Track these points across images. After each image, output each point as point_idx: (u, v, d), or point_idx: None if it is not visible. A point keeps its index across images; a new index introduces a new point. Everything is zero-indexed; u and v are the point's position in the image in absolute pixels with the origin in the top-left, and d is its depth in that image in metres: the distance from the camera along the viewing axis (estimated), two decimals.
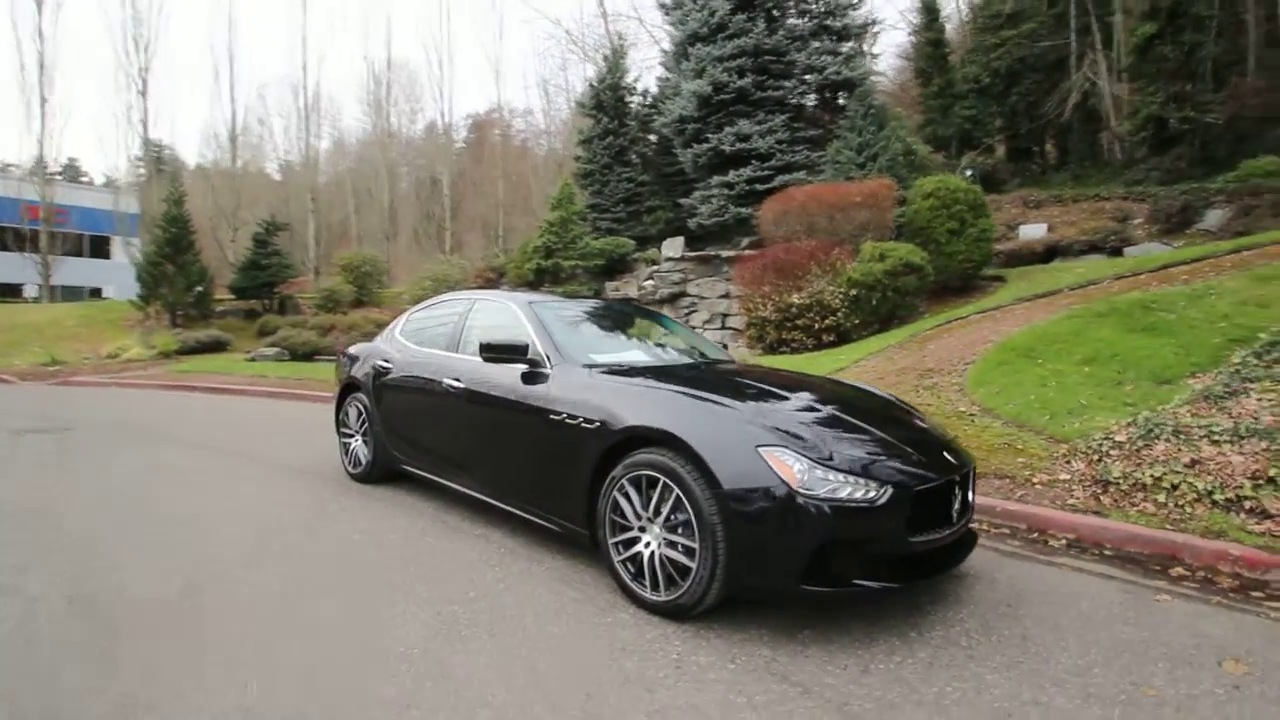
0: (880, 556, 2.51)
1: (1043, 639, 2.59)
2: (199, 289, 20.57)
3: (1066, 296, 9.19)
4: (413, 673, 2.30)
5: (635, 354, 3.84)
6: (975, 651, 2.49)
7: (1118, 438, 4.60)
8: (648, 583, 2.79)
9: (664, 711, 2.11)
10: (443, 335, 4.40)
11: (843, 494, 2.46)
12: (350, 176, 34.01)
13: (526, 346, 3.54)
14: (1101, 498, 4.09)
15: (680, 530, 2.69)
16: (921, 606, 2.84)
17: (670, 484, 2.70)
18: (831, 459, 2.54)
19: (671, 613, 2.71)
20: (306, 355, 17.70)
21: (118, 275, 33.83)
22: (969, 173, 16.74)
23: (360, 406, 4.85)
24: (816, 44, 17.74)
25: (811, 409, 2.95)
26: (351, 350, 5.41)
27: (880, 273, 9.91)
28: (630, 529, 2.89)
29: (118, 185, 35.85)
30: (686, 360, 4.01)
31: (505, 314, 4.09)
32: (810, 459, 2.52)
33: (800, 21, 17.98)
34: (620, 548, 2.93)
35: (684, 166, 20.65)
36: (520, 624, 2.69)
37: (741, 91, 17.79)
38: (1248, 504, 3.73)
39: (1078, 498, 4.13)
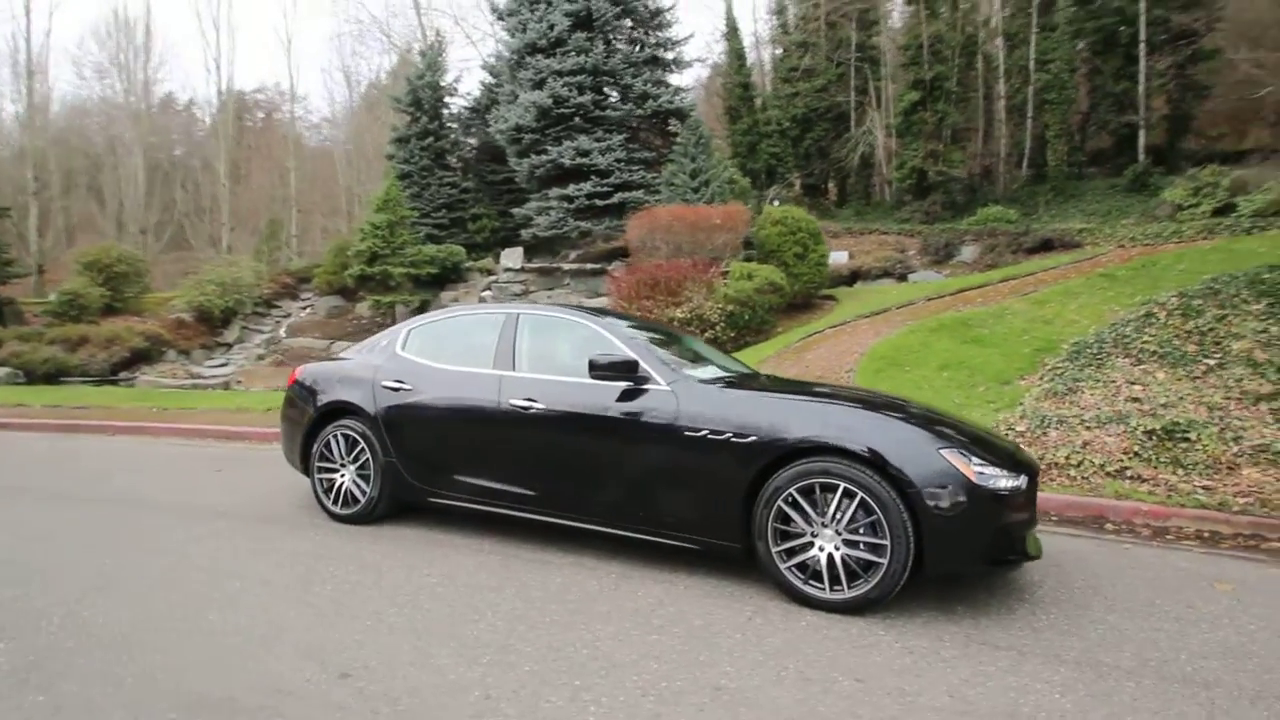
0: (1020, 535, 3.03)
1: (1099, 587, 3.33)
2: None
3: (895, 314, 11.08)
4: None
5: (711, 368, 3.96)
6: (1074, 601, 3.12)
7: (1018, 428, 5.81)
8: (826, 583, 3.00)
9: (963, 691, 2.35)
10: (482, 352, 4.05)
11: (1001, 484, 2.93)
12: (83, 154, 27.25)
13: (635, 363, 3.49)
14: None
15: (862, 530, 2.94)
16: (988, 584, 3.39)
17: (852, 489, 2.94)
18: (981, 455, 3.01)
19: (857, 607, 2.93)
20: (49, 376, 13.96)
21: None
22: (775, 203, 19.04)
23: (355, 435, 4.21)
24: (649, 73, 18.83)
25: (926, 415, 3.40)
26: (310, 372, 4.65)
27: (751, 290, 10.95)
28: (801, 536, 3.05)
29: None
30: (747, 372, 4.23)
31: (577, 330, 3.93)
32: (975, 456, 2.96)
33: (634, 50, 18.92)
34: (785, 555, 3.08)
35: (517, 176, 20.41)
36: (736, 652, 2.65)
37: (581, 108, 18.18)
38: (1128, 473, 5.04)
39: None
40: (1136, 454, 5.18)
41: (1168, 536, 4.27)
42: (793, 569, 3.06)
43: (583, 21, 18.22)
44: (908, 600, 3.06)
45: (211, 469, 5.98)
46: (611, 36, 18.65)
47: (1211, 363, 6.76)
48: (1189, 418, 5.54)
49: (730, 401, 3.33)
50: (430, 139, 22.41)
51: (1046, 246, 14.13)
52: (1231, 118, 18.23)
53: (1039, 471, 3.60)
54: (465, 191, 23.24)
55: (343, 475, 4.28)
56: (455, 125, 23.72)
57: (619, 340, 3.72)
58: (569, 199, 18.45)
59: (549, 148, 18.53)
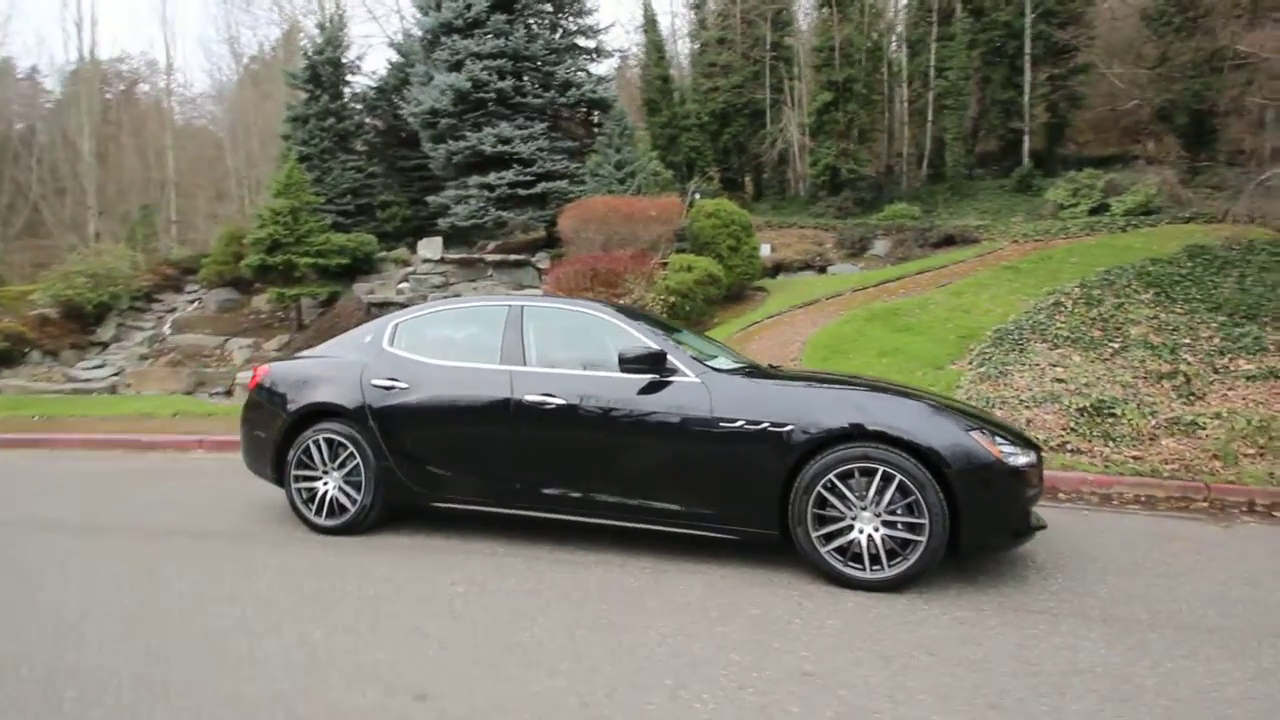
0: (1032, 508, 3.27)
1: (1082, 550, 3.65)
2: None
3: (827, 305, 11.59)
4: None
5: (722, 358, 3.96)
6: (1071, 565, 3.41)
7: None
8: (866, 564, 3.10)
9: (1023, 654, 2.51)
10: (485, 347, 3.84)
11: (1021, 461, 3.14)
12: None
13: (664, 355, 3.43)
14: None
15: (900, 511, 3.06)
16: (993, 555, 3.63)
17: (891, 472, 3.05)
18: (1003, 435, 3.22)
19: (896, 585, 3.05)
20: None
21: None
22: (697, 196, 19.37)
23: (341, 439, 3.88)
24: (572, 61, 18.53)
25: (941, 399, 3.58)
26: (279, 373, 4.24)
27: (692, 282, 11.10)
28: (840, 519, 3.13)
29: None
30: (752, 362, 4.27)
31: (588, 321, 3.82)
32: (998, 435, 3.16)
33: (555, 36, 18.55)
34: (824, 540, 3.16)
35: (432, 162, 19.51)
36: (804, 637, 2.66)
37: (502, 93, 17.61)
38: (1068, 446, 5.56)
39: None
40: (1073, 429, 5.72)
41: (1113, 503, 4.75)
42: (832, 552, 3.14)
43: (502, 3, 17.64)
44: (930, 575, 3.23)
45: (139, 484, 5.34)
46: (532, 21, 18.18)
47: (1116, 346, 7.57)
48: (1111, 395, 6.19)
49: (763, 392, 3.37)
50: (332, 119, 20.95)
51: (949, 241, 15.24)
52: (1096, 126, 20.42)
53: (1042, 448, 3.90)
54: (372, 177, 21.94)
55: (326, 483, 3.95)
56: (359, 106, 22.32)
57: (638, 331, 3.66)
58: (490, 187, 17.86)
59: (468, 134, 17.83)
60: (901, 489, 3.05)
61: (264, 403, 4.18)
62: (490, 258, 17.92)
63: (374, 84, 22.41)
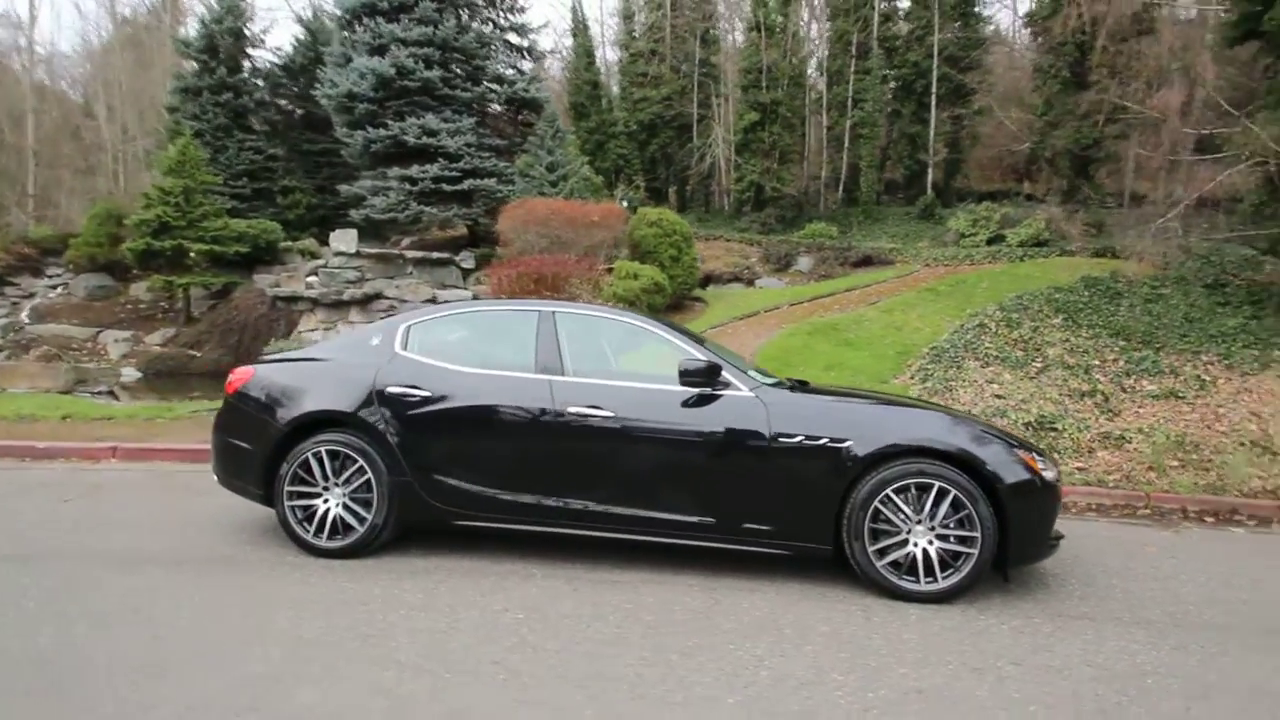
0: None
1: (1081, 557, 3.96)
2: None
3: (767, 318, 11.95)
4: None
5: (755, 372, 3.94)
6: (1078, 572, 3.65)
7: None
8: (921, 576, 3.17)
9: (1091, 659, 2.62)
10: (517, 354, 3.59)
11: (1050, 475, 3.35)
12: None
13: (719, 368, 3.36)
14: None
15: (952, 524, 3.17)
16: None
17: (946, 486, 3.15)
18: (1038, 452, 3.42)
19: (948, 596, 3.14)
20: None
21: None
22: (625, 203, 19.45)
23: (349, 452, 3.48)
24: (505, 58, 18.05)
25: (973, 417, 3.75)
26: (267, 377, 3.75)
27: (638, 290, 11.08)
28: (896, 533, 3.19)
29: None
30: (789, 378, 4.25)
31: (627, 329, 3.71)
32: (1035, 452, 3.35)
33: (486, 30, 17.99)
34: (879, 554, 3.21)
35: (346, 149, 18.28)
36: (891, 653, 2.65)
37: (428, 83, 16.81)
38: None
39: None
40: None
41: (1072, 511, 5.19)
42: (887, 566, 3.21)
43: None
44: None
45: (56, 501, 4.57)
46: (463, 12, 17.52)
47: (1039, 365, 8.33)
48: (1048, 411, 6.79)
49: (819, 407, 3.39)
50: (229, 94, 19.17)
51: (868, 261, 16.20)
52: (982, 164, 22.50)
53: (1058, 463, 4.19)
54: (273, 160, 20.26)
55: (327, 501, 3.55)
56: (262, 83, 20.57)
57: (683, 341, 3.59)
58: (412, 180, 16.98)
59: (389, 122, 16.88)
60: (955, 503, 3.16)
61: (248, 410, 3.70)
62: (411, 254, 17.01)
63: (279, 60, 20.74)
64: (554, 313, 3.73)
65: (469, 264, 17.01)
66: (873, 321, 10.81)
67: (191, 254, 14.95)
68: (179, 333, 15.17)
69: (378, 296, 14.88)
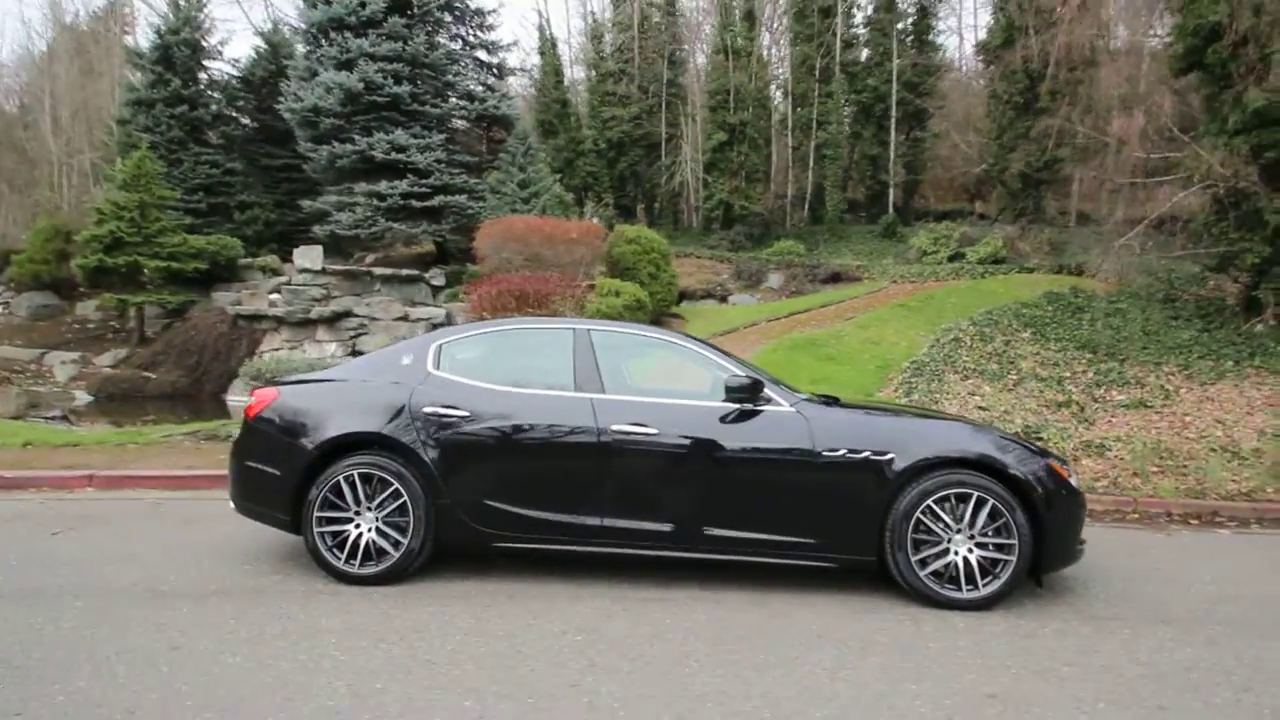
0: None
1: (1093, 560, 4.10)
2: None
3: (747, 334, 12.13)
4: None
5: (783, 387, 4.00)
6: (1095, 574, 3.75)
7: None
8: (962, 585, 3.26)
9: (1136, 657, 2.67)
10: (554, 372, 3.56)
11: (1074, 481, 3.51)
12: None
13: (761, 384, 3.41)
14: None
15: (990, 533, 3.27)
16: None
17: (985, 496, 3.25)
18: (1064, 461, 3.57)
19: (988, 603, 3.23)
20: None
21: None
22: (595, 220, 19.55)
23: (384, 475, 3.38)
24: (474, 74, 17.99)
25: (991, 427, 3.89)
26: (294, 398, 3.62)
27: (621, 307, 11.12)
28: (938, 543, 3.27)
29: None
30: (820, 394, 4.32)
31: (663, 346, 3.75)
32: (1061, 461, 3.50)
33: (456, 46, 17.92)
34: (922, 564, 3.29)
35: (310, 164, 17.87)
36: (952, 660, 2.70)
37: (397, 98, 16.62)
38: None
39: None
40: None
41: None
42: (929, 576, 3.29)
43: (400, 5, 16.72)
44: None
45: (43, 534, 4.29)
46: (432, 28, 17.41)
47: (1014, 378, 8.68)
48: (1031, 421, 7.07)
49: (860, 422, 3.48)
50: (184, 106, 18.55)
51: (836, 278, 16.63)
52: (936, 184, 23.46)
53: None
54: (230, 174, 19.62)
55: (359, 526, 3.44)
56: (219, 95, 19.98)
57: (720, 358, 3.64)
58: (380, 196, 16.71)
59: (356, 137, 16.61)
60: (993, 512, 3.27)
61: (272, 434, 3.56)
62: (379, 271, 16.65)
63: (238, 73, 20.18)
64: (589, 330, 3.73)
65: (439, 281, 16.73)
66: (850, 337, 11.09)
67: (147, 271, 14.32)
68: (132, 354, 14.45)
69: (346, 315, 14.50)
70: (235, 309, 14.81)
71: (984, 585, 3.26)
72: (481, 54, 18.37)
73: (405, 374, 3.62)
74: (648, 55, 21.04)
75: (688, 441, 3.39)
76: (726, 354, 3.88)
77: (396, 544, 3.41)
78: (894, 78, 19.01)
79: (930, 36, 19.89)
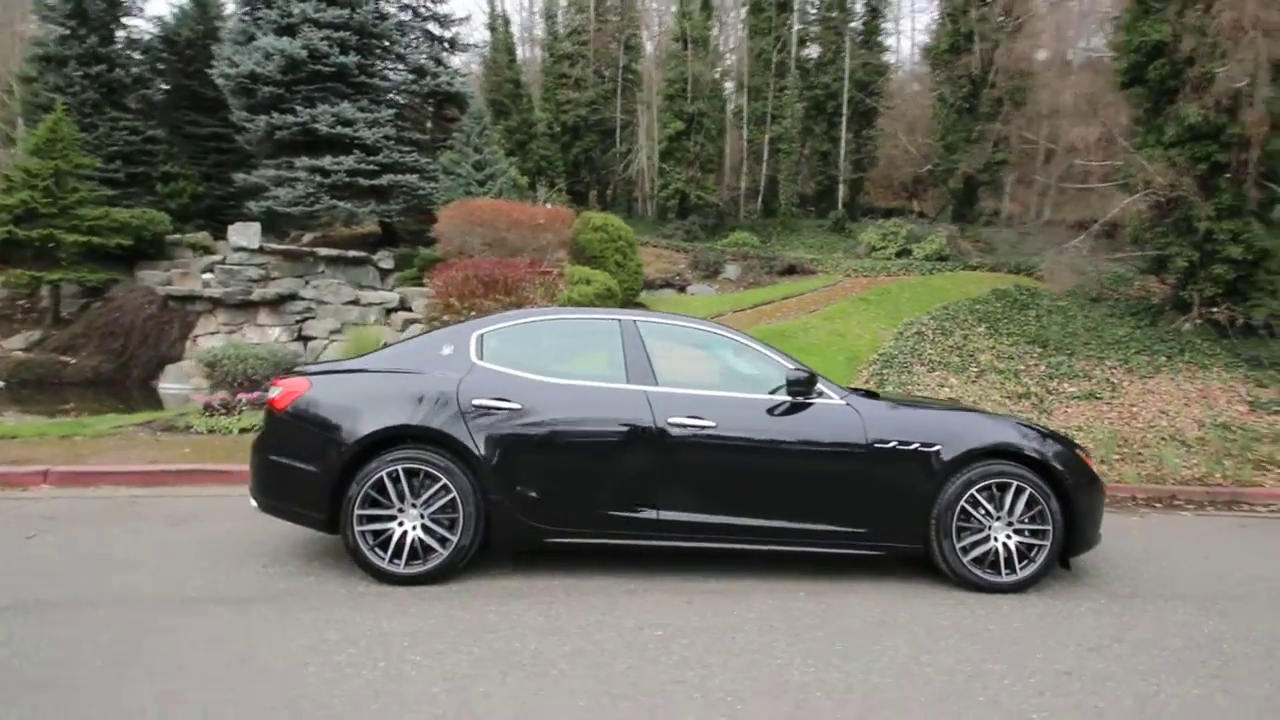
0: None
1: None
2: None
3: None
4: None
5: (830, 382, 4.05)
6: (1102, 556, 4.04)
7: None
8: (1001, 569, 3.42)
9: (1171, 630, 2.88)
10: (604, 364, 3.48)
11: (1095, 469, 3.76)
12: None
13: (815, 377, 3.46)
14: None
15: (1026, 520, 3.45)
16: None
17: (1023, 485, 3.42)
18: (1087, 451, 3.80)
19: (1023, 586, 3.39)
20: None
21: None
22: (548, 204, 19.23)
23: (431, 470, 3.21)
24: (425, 48, 17.24)
25: (1010, 417, 4.09)
26: (327, 390, 3.38)
27: (592, 295, 10.99)
28: (980, 530, 3.42)
29: None
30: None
31: (713, 338, 3.74)
32: (1086, 452, 3.72)
33: (406, 17, 17.11)
34: (964, 550, 3.43)
35: (245, 135, 16.71)
36: (1016, 642, 2.79)
37: (343, 69, 15.74)
38: None
39: None
40: None
41: None
42: (973, 563, 3.44)
43: None
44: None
45: (14, 538, 3.88)
46: None
47: (975, 371, 9.15)
48: (1000, 412, 7.49)
49: (908, 414, 3.58)
50: (100, 66, 16.96)
51: (792, 271, 17.00)
52: (877, 182, 24.33)
53: None
54: (152, 141, 18.07)
55: (402, 523, 3.28)
56: (140, 56, 18.35)
57: (770, 351, 3.67)
58: (324, 172, 15.82)
59: (298, 108, 15.64)
60: (1029, 500, 3.45)
61: (305, 427, 3.33)
62: (323, 252, 15.76)
63: (160, 32, 18.55)
64: (635, 321, 3.67)
65: (388, 264, 16.04)
66: (817, 329, 11.38)
67: (63, 246, 13.04)
68: (46, 336, 13.16)
69: (292, 297, 13.71)
70: (166, 289, 13.75)
71: (1021, 569, 3.44)
72: (433, 26, 17.64)
73: (449, 365, 3.46)
74: (604, 38, 20.76)
75: (745, 434, 3.40)
76: (771, 347, 3.91)
77: (444, 541, 3.27)
78: (846, 76, 19.52)
79: (879, 38, 20.52)
